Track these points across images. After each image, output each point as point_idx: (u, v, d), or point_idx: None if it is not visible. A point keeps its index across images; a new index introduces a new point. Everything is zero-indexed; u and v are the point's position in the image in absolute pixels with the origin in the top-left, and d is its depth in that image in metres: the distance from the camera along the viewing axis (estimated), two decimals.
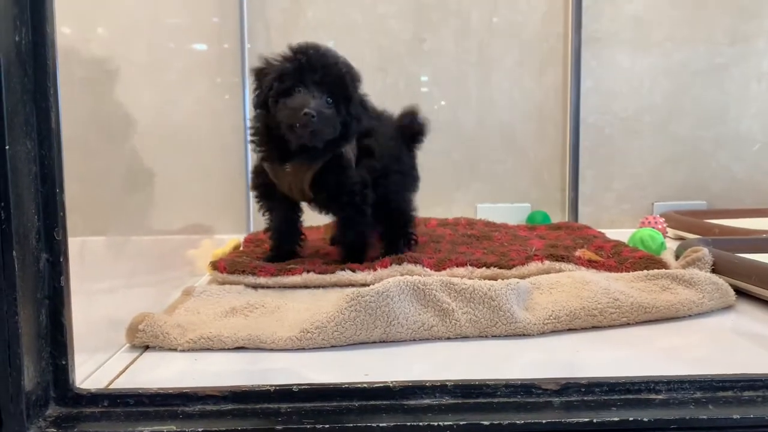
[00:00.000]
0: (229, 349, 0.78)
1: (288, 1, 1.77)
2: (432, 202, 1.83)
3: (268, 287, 1.07)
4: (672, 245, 1.34)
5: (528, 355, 0.77)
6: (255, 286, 1.07)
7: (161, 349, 0.79)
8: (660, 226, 1.59)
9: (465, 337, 0.81)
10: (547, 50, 1.80)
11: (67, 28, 0.70)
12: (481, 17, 1.79)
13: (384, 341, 0.80)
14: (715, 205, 1.86)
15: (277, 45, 1.77)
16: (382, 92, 1.79)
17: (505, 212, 1.81)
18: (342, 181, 1.13)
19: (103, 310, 0.80)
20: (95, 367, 0.72)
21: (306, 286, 1.07)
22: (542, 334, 0.83)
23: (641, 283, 0.96)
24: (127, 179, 1.05)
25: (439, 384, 0.62)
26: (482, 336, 0.82)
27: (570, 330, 0.85)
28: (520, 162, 1.84)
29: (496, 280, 1.09)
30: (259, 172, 1.18)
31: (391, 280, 0.80)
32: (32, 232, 0.58)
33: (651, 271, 0.98)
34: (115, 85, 0.95)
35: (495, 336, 0.82)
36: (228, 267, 1.11)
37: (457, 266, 1.11)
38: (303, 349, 0.77)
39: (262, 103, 1.10)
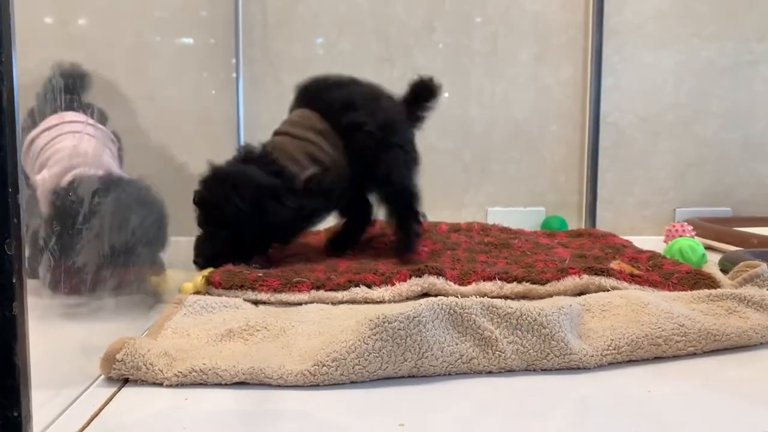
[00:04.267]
0: (227, 384, 0.64)
1: None
2: (440, 205, 1.70)
3: (270, 304, 0.93)
4: (712, 257, 1.22)
5: (587, 392, 0.64)
6: (255, 302, 0.94)
7: (144, 383, 0.65)
8: (688, 235, 1.47)
9: (510, 371, 0.68)
10: (565, 43, 1.67)
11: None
12: (496, 5, 1.66)
13: (414, 376, 0.66)
14: (740, 211, 1.74)
15: (273, 30, 1.64)
16: (389, 84, 1.65)
17: (519, 217, 1.68)
18: None
19: (72, 330, 0.67)
20: (61, 409, 0.58)
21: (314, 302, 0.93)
22: (599, 366, 0.70)
23: (702, 305, 0.83)
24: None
25: None
26: (530, 369, 0.69)
27: (630, 361, 0.72)
28: (535, 163, 1.71)
29: (528, 296, 0.97)
30: None
31: (423, 303, 0.66)
32: None
33: (713, 291, 0.85)
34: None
35: (545, 369, 0.69)
36: (224, 281, 0.97)
37: (484, 280, 0.98)
38: (317, 386, 0.64)
39: None
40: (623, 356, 0.71)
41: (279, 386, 0.64)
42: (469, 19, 1.66)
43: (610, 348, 0.70)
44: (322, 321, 0.81)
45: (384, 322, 0.64)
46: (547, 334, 0.68)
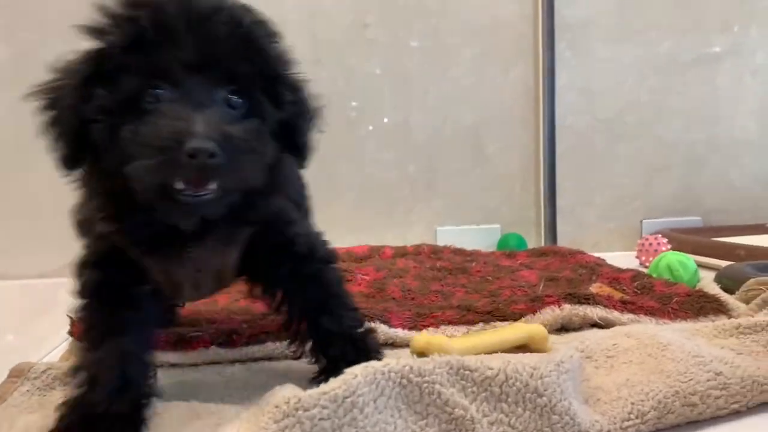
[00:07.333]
0: None
1: None
2: (383, 226, 1.48)
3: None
4: (705, 274, 1.03)
5: None
6: None
7: None
8: (664, 249, 1.29)
9: None
10: (514, 38, 1.49)
11: None
12: None
13: None
14: (710, 220, 1.58)
15: None
16: (317, 90, 1.43)
17: (472, 236, 1.48)
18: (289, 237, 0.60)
19: None
20: None
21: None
22: None
23: (732, 340, 0.63)
24: None
25: None
26: None
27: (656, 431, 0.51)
28: (487, 174, 1.51)
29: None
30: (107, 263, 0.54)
31: (359, 372, 0.43)
32: None
33: (741, 321, 0.65)
34: None
35: None
36: None
37: (444, 324, 0.76)
38: None
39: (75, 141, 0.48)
40: (649, 426, 0.49)
41: None
42: (405, 12, 1.45)
43: (632, 416, 0.49)
44: (221, 391, 0.57)
45: (297, 409, 0.40)
46: (545, 405, 0.46)
